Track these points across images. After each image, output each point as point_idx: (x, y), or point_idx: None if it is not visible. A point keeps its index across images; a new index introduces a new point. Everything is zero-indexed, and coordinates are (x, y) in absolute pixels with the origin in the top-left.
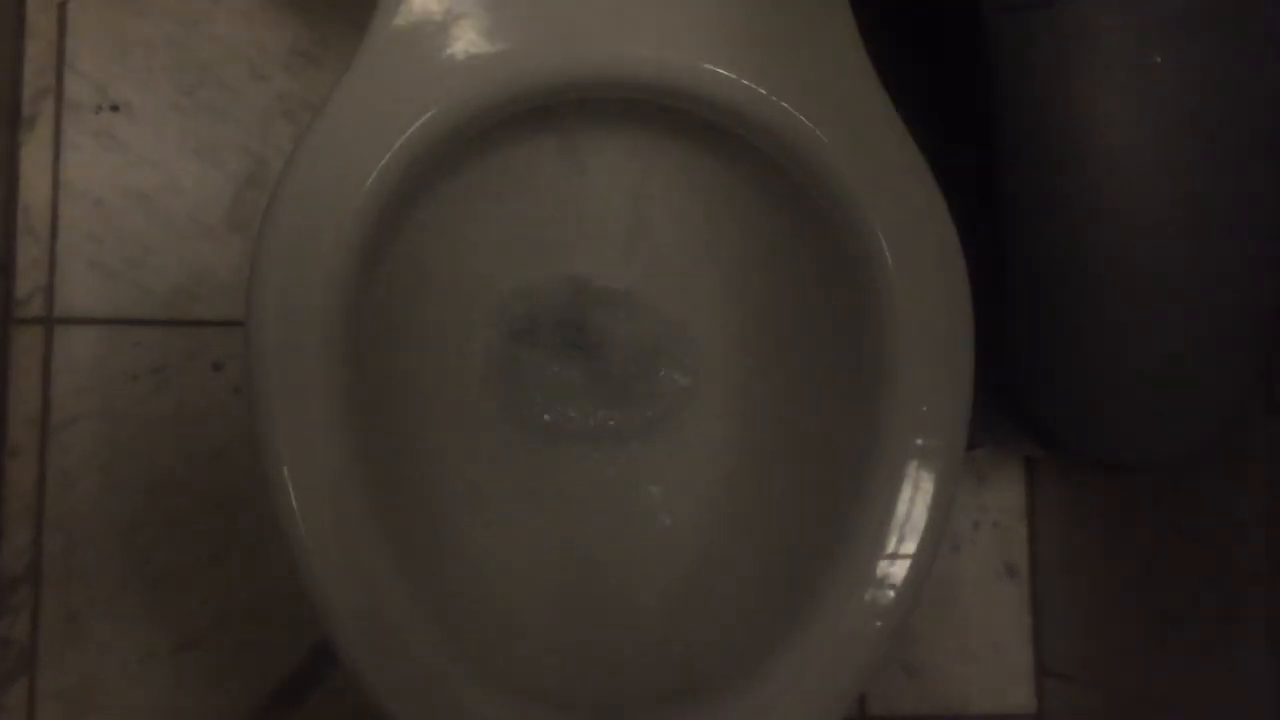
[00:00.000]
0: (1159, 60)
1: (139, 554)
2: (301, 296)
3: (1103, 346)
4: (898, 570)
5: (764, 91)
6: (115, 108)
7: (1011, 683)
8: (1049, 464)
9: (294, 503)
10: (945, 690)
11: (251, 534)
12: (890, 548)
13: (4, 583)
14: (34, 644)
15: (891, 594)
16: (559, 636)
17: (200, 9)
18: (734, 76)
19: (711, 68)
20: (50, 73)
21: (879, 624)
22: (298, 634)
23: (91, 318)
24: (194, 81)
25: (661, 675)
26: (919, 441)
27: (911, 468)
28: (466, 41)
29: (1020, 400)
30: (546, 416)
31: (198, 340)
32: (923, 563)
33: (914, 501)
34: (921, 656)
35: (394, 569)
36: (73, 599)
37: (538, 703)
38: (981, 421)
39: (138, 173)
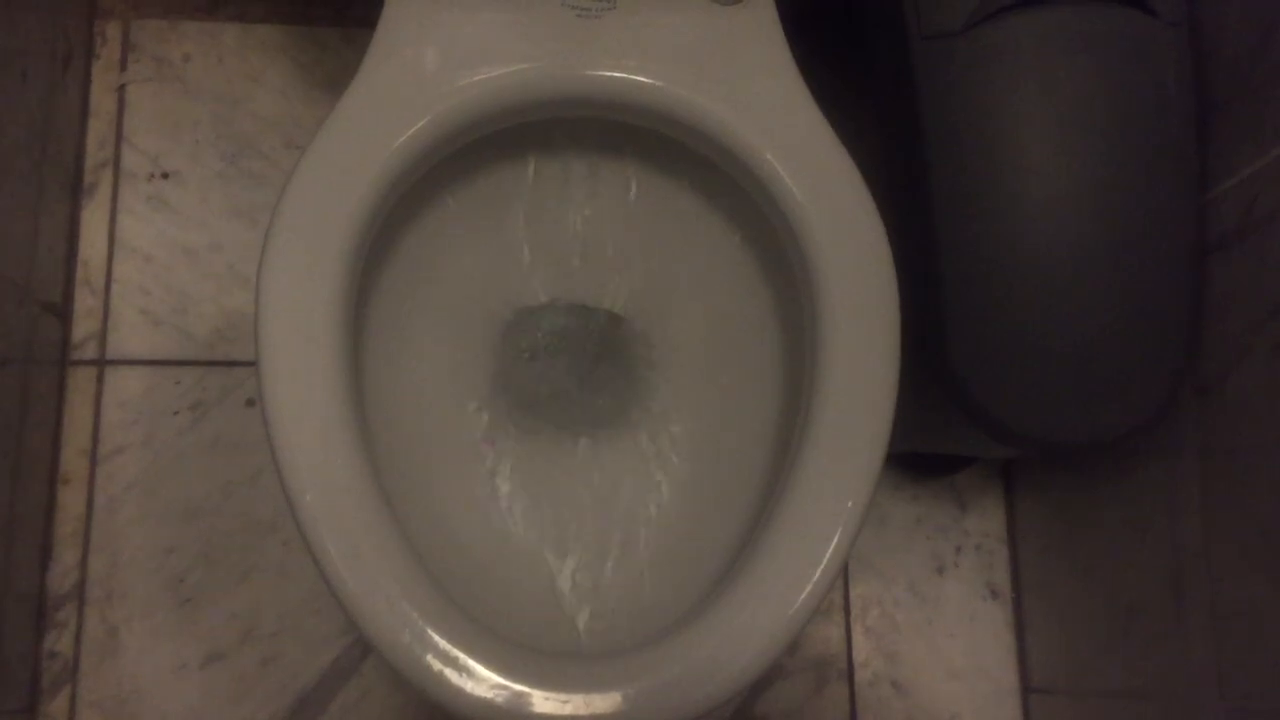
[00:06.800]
0: (1060, 74)
1: (175, 574)
2: (306, 280)
3: (1029, 334)
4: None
5: (715, 110)
6: (165, 175)
7: (998, 699)
8: (1028, 488)
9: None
10: (934, 708)
11: (278, 556)
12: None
13: (51, 600)
14: (76, 656)
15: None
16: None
17: (242, 89)
18: (687, 94)
19: (668, 87)
20: (110, 147)
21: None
22: (318, 649)
23: (139, 359)
24: (235, 151)
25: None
26: (846, 426)
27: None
28: (453, 66)
29: (961, 391)
30: (529, 411)
31: (232, 378)
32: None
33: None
34: (910, 676)
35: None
36: (113, 615)
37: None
38: (945, 433)
39: (184, 232)
